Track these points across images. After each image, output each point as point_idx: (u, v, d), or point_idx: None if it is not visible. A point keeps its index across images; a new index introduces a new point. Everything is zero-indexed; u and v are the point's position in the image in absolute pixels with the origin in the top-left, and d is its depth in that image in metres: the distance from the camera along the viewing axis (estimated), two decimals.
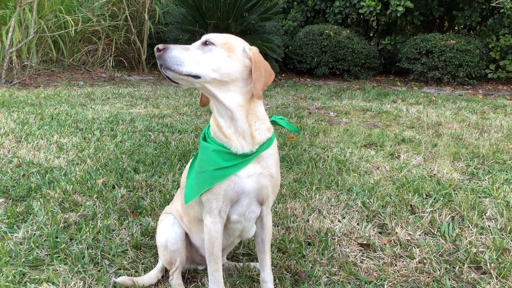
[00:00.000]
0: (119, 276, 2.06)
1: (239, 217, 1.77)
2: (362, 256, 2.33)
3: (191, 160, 1.84)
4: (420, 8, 9.56)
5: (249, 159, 1.66)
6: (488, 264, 2.20)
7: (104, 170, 3.40)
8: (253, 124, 1.66)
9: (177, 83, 1.59)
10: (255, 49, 1.64)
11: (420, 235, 2.53)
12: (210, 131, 1.73)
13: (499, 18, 9.17)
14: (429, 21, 10.59)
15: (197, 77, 1.55)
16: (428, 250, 2.35)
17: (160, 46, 1.53)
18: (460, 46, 8.82)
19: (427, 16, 9.90)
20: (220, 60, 1.58)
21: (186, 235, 1.98)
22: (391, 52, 10.65)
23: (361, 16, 10.79)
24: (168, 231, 1.96)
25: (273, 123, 1.85)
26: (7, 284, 1.97)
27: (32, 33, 7.73)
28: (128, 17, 9.48)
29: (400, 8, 9.11)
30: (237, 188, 1.68)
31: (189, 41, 8.82)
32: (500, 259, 2.25)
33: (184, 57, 1.54)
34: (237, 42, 1.65)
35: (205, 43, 1.60)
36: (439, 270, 2.17)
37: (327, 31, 9.76)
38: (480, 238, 2.49)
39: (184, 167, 3.48)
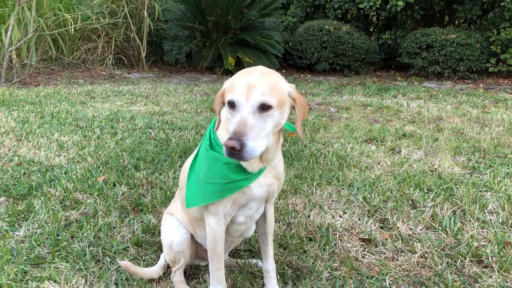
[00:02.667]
0: (121, 273, 2.06)
1: (245, 218, 1.78)
2: (363, 251, 2.33)
3: (191, 161, 1.80)
4: (420, 2, 9.52)
5: (261, 171, 1.67)
6: (489, 258, 2.20)
7: (104, 168, 3.40)
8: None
9: None
10: (293, 87, 1.59)
11: (421, 230, 2.53)
12: (218, 138, 1.67)
13: (500, 12, 9.13)
14: (430, 15, 10.55)
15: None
16: (430, 245, 2.35)
17: (237, 145, 1.37)
18: (461, 40, 8.78)
19: (427, 10, 9.86)
20: (277, 121, 1.51)
21: (191, 235, 1.98)
22: (392, 47, 10.61)
23: (361, 11, 10.75)
24: (173, 232, 1.95)
25: None
26: (9, 282, 1.97)
27: (31, 32, 7.71)
28: (128, 14, 9.46)
29: (400, 3, 9.07)
30: (247, 197, 1.70)
31: (188, 38, 8.84)
32: (501, 253, 2.25)
33: (256, 142, 1.42)
34: (284, 89, 1.54)
35: (263, 108, 1.46)
36: (441, 264, 2.17)
37: (327, 27, 9.72)
38: (482, 232, 2.49)
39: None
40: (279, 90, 1.51)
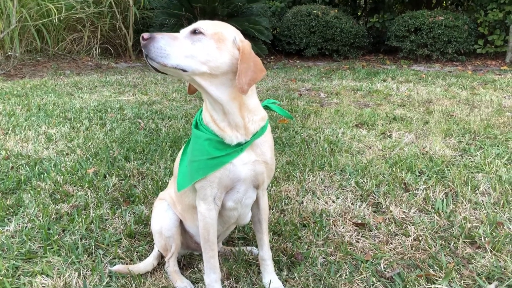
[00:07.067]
0: (114, 265, 2.04)
1: (235, 204, 1.75)
2: (357, 235, 2.33)
3: (183, 147, 1.80)
4: None
5: (243, 148, 1.64)
6: (482, 239, 2.22)
7: (94, 159, 3.36)
8: (246, 116, 1.62)
9: (164, 73, 1.52)
10: (246, 42, 1.56)
11: (414, 213, 2.53)
12: (202, 118, 1.68)
13: None
14: None
15: (184, 70, 1.48)
16: (423, 227, 2.36)
17: (145, 35, 1.44)
18: (449, 23, 8.78)
19: None
20: (209, 52, 1.49)
21: (181, 221, 1.96)
22: (380, 30, 10.59)
23: None
24: (162, 217, 1.94)
25: (266, 107, 1.82)
26: (1, 278, 1.94)
27: (14, 23, 7.56)
28: (113, 3, 9.30)
29: None
30: (232, 176, 1.66)
31: (175, 26, 8.73)
32: (494, 233, 2.26)
33: (171, 49, 1.45)
34: (228, 32, 1.56)
35: (194, 32, 1.50)
36: (435, 247, 2.18)
37: (315, 11, 9.66)
38: (474, 213, 2.51)
39: (176, 153, 3.46)
40: (219, 27, 1.56)
